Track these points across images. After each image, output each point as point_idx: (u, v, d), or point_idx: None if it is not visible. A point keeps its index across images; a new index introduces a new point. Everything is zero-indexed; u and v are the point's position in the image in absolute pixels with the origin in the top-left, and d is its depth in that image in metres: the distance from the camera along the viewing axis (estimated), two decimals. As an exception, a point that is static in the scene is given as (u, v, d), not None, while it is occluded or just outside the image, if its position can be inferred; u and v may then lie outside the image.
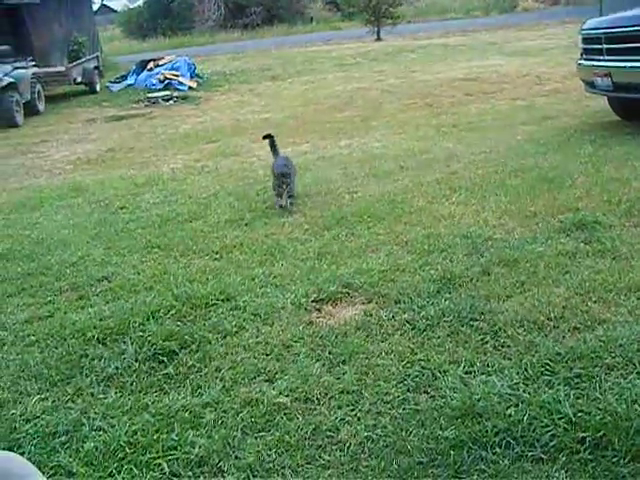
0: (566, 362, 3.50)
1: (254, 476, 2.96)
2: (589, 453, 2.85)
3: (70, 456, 3.19)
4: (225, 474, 2.99)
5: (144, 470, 3.05)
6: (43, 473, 1.80)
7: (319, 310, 4.47)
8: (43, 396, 3.76)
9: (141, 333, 4.29)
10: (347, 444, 3.10)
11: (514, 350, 3.70)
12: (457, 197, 6.62)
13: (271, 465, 3.02)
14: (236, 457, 3.09)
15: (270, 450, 3.11)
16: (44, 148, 13.02)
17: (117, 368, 3.95)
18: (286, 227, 6.20)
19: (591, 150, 7.84)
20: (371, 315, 4.28)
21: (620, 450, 2.82)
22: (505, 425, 3.05)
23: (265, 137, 7.66)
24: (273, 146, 7.53)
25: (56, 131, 15.08)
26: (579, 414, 3.06)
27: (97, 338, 4.32)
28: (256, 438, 3.21)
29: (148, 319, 4.47)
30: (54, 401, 3.69)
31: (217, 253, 5.74)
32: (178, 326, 4.34)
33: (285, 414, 3.36)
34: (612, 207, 5.73)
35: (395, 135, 10.60)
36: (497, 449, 2.94)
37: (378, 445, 3.08)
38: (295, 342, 4.05)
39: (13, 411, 3.61)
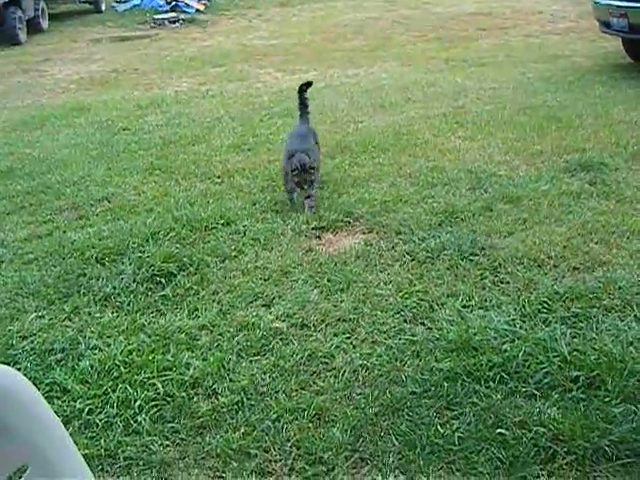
0: (564, 301, 3.49)
1: (248, 399, 2.97)
2: (582, 392, 2.84)
3: (65, 373, 3.20)
4: (219, 396, 3.00)
5: (138, 389, 3.05)
6: (38, 389, 1.79)
7: (319, 238, 4.45)
8: (40, 314, 3.76)
9: (140, 254, 4.27)
10: (341, 371, 3.10)
11: (513, 287, 3.69)
12: (463, 132, 6.54)
13: (265, 389, 3.03)
14: (230, 380, 3.10)
15: (264, 374, 3.12)
16: (47, 67, 12.84)
17: (115, 288, 3.95)
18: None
19: (602, 91, 7.72)
20: (371, 245, 4.26)
21: (612, 391, 2.82)
22: (500, 360, 3.04)
23: (303, 87, 5.54)
24: (303, 103, 5.52)
25: (60, 50, 14.85)
26: (574, 353, 3.05)
27: (95, 258, 4.31)
28: (251, 362, 3.22)
29: (147, 240, 4.45)
30: (51, 319, 3.70)
31: (219, 177, 5.69)
32: (177, 248, 4.32)
33: (281, 339, 3.37)
34: (619, 149, 5.65)
35: (403, 67, 10.44)
36: (491, 383, 2.94)
37: (372, 374, 3.08)
38: (294, 268, 4.05)
39: (10, 328, 3.62)
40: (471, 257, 3.99)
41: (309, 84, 5.53)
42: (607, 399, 2.79)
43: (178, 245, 4.38)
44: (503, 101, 7.60)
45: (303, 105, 5.46)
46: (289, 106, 7.58)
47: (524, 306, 3.47)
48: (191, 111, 8.30)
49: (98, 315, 3.72)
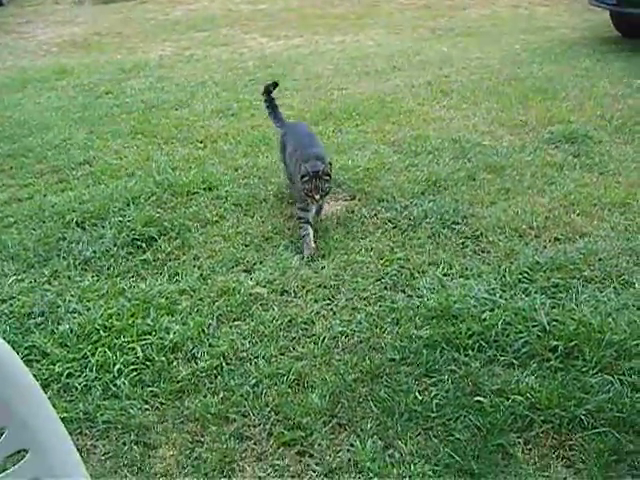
0: (544, 271, 3.49)
1: (227, 364, 2.97)
2: (560, 362, 2.86)
3: (45, 337, 3.18)
4: (198, 361, 2.99)
5: (118, 353, 3.04)
6: (17, 353, 1.77)
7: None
8: (20, 277, 3.74)
9: (120, 218, 4.24)
10: (321, 337, 3.10)
11: (494, 256, 3.69)
12: (448, 101, 6.52)
13: (244, 354, 3.03)
14: (210, 345, 3.09)
15: (244, 339, 3.11)
16: (29, 28, 12.67)
17: (95, 252, 3.92)
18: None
19: (588, 64, 7.70)
20: (353, 212, 4.25)
21: (590, 361, 2.83)
22: (479, 328, 3.05)
23: (270, 88, 4.85)
24: (271, 103, 4.83)
25: (42, 12, 14.63)
26: (553, 323, 3.06)
27: (76, 222, 4.27)
28: (231, 327, 3.22)
29: (128, 205, 4.41)
30: (30, 282, 3.67)
31: (201, 142, 5.65)
32: (158, 213, 4.29)
33: (261, 305, 3.37)
34: (604, 122, 5.65)
35: (389, 35, 10.37)
36: (470, 351, 2.95)
37: (352, 340, 3.09)
38: (275, 234, 4.04)
39: (-11, 291, 3.59)
40: (453, 226, 3.99)
41: (275, 85, 4.84)
42: (584, 369, 2.81)
43: (159, 210, 4.35)
44: (489, 71, 7.57)
45: (271, 106, 4.77)
46: (274, 72, 7.53)
47: (504, 275, 3.47)
48: (175, 75, 8.21)
49: (78, 279, 3.69)
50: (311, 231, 3.94)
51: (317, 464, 2.44)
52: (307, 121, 5.52)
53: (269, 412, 2.68)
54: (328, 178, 3.93)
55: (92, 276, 3.71)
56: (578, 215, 4.07)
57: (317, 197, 3.91)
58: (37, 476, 1.83)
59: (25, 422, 1.77)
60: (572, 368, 2.82)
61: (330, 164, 4.00)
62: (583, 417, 2.55)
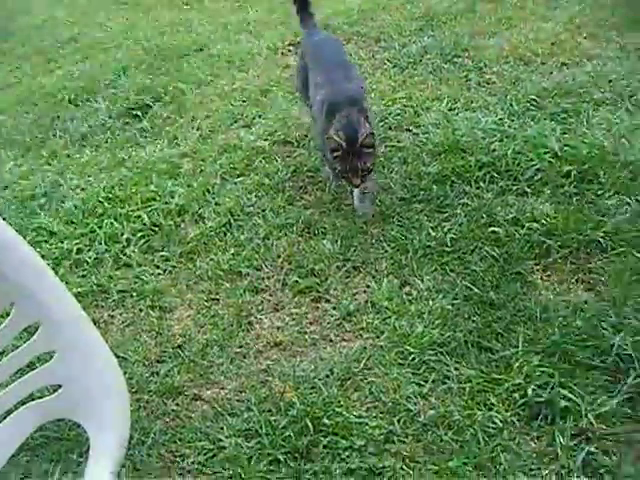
0: (553, 97, 3.38)
1: (235, 220, 2.92)
2: (574, 187, 2.78)
3: (50, 217, 3.14)
4: (206, 220, 2.95)
5: (125, 223, 3.01)
6: (24, 236, 1.74)
7: (296, 53, 4.23)
8: (18, 162, 3.68)
9: (113, 90, 4.14)
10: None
11: (499, 86, 3.57)
12: None
13: (251, 209, 2.97)
14: (216, 204, 3.04)
15: (250, 194, 3.05)
16: None
17: (91, 127, 3.86)
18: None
19: None
20: (350, 55, 4.01)
21: (605, 183, 2.76)
22: (489, 160, 2.97)
23: None
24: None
25: None
26: (565, 148, 2.97)
27: (68, 99, 4.18)
28: (235, 183, 3.16)
29: (119, 75, 4.30)
30: (30, 165, 3.62)
31: (187, 4, 5.46)
32: (150, 79, 4.17)
33: (264, 158, 3.29)
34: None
35: None
36: (481, 183, 2.88)
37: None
38: (272, 86, 3.92)
39: (-11, 181, 3.54)
40: (455, 59, 3.85)
41: None
42: (600, 192, 2.74)
43: (151, 76, 4.23)
44: None
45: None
46: None
47: (512, 105, 3.36)
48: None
49: (77, 156, 3.64)
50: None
51: (334, 308, 2.42)
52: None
53: (282, 262, 2.65)
54: (371, 150, 2.70)
55: (91, 151, 3.65)
56: (585, 38, 3.92)
57: (356, 181, 2.72)
58: (53, 349, 1.84)
59: (35, 297, 1.76)
60: (587, 192, 2.75)
61: (367, 115, 2.77)
62: (601, 240, 2.49)
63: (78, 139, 3.78)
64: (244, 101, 3.82)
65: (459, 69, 3.76)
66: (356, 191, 2.84)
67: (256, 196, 3.04)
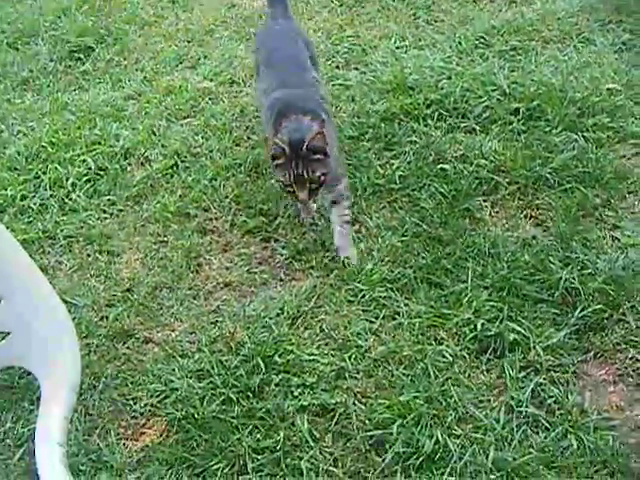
0: (502, 35, 3.37)
1: (182, 162, 2.88)
2: (522, 124, 2.80)
3: (-7, 167, 3.06)
4: (152, 163, 2.91)
5: (69, 168, 2.94)
6: None
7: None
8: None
9: (53, 32, 4.01)
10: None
11: (448, 24, 3.55)
12: None
13: (198, 150, 2.95)
14: (162, 146, 2.99)
15: (197, 135, 3.02)
16: None
17: (32, 71, 3.74)
18: None
19: None
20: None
21: (553, 120, 2.78)
22: (437, 97, 2.96)
23: None
24: None
25: None
26: (513, 86, 2.97)
27: (7, 43, 4.05)
28: (182, 125, 3.12)
29: (59, 17, 4.16)
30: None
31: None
32: (92, 21, 4.04)
33: (210, 99, 3.24)
34: None
35: None
36: (429, 121, 2.88)
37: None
38: (217, 26, 3.84)
39: None
40: (403, -5, 3.79)
41: None
42: (547, 129, 2.76)
43: (93, 18, 4.09)
44: None
45: None
46: None
47: (460, 43, 3.35)
48: None
49: (18, 101, 3.53)
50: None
51: (283, 247, 2.42)
52: None
53: (230, 203, 2.63)
54: (322, 157, 2.25)
55: (32, 95, 3.56)
56: (533, -25, 3.87)
57: (303, 196, 2.28)
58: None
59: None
60: (535, 129, 2.78)
61: (323, 121, 2.36)
62: (549, 176, 2.53)
63: (19, 84, 3.67)
64: (189, 41, 3.75)
65: (407, 7, 3.71)
66: (336, 226, 2.37)
67: (203, 137, 3.01)
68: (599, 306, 2.03)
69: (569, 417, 1.77)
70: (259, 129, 2.95)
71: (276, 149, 2.25)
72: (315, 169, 2.22)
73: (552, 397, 1.83)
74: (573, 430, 1.73)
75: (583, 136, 2.69)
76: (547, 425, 1.77)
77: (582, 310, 2.02)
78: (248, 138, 2.97)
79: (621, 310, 2.03)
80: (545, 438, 1.73)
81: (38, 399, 1.83)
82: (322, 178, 2.24)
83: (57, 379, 1.83)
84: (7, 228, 1.84)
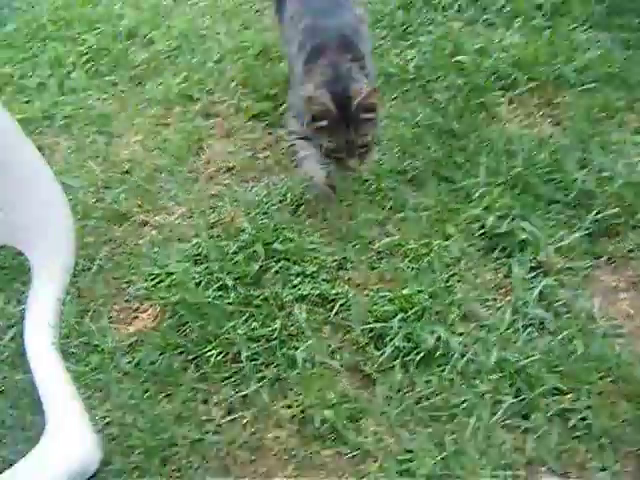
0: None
1: (187, 44, 2.77)
2: (546, 19, 2.67)
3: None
4: (156, 44, 2.80)
5: (70, 46, 2.84)
6: None
7: None
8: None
9: None
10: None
11: None
12: None
13: (205, 32, 2.84)
14: (167, 26, 2.89)
15: (203, 17, 2.93)
16: None
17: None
18: None
19: None
20: None
21: (579, 18, 2.64)
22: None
23: None
24: None
25: None
26: (538, -21, 2.80)
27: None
28: (189, 6, 3.03)
29: None
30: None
31: None
32: None
33: None
34: None
35: None
36: (449, 11, 2.75)
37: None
38: None
39: None
40: None
41: None
42: (573, 26, 2.62)
43: None
44: None
45: None
46: None
47: None
48: None
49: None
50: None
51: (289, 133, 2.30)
52: None
53: (235, 86, 2.53)
54: (373, 116, 1.93)
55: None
56: None
57: (353, 163, 1.96)
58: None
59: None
60: (559, 26, 2.63)
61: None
62: (571, 74, 2.40)
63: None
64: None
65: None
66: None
67: (210, 19, 2.88)
68: (614, 210, 1.91)
69: (576, 322, 1.68)
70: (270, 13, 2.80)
71: (318, 110, 1.89)
72: (366, 132, 1.92)
73: (560, 300, 1.74)
74: (580, 335, 1.66)
75: (610, 37, 2.55)
76: (553, 328, 1.69)
77: (597, 214, 1.91)
78: (257, 21, 2.86)
79: (637, 217, 1.93)
80: (550, 342, 1.65)
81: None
82: (373, 141, 1.97)
83: (50, 259, 1.77)
84: (5, 107, 1.75)
